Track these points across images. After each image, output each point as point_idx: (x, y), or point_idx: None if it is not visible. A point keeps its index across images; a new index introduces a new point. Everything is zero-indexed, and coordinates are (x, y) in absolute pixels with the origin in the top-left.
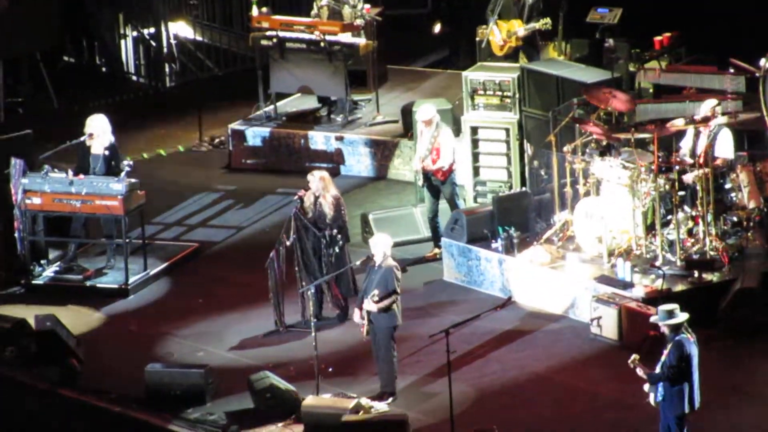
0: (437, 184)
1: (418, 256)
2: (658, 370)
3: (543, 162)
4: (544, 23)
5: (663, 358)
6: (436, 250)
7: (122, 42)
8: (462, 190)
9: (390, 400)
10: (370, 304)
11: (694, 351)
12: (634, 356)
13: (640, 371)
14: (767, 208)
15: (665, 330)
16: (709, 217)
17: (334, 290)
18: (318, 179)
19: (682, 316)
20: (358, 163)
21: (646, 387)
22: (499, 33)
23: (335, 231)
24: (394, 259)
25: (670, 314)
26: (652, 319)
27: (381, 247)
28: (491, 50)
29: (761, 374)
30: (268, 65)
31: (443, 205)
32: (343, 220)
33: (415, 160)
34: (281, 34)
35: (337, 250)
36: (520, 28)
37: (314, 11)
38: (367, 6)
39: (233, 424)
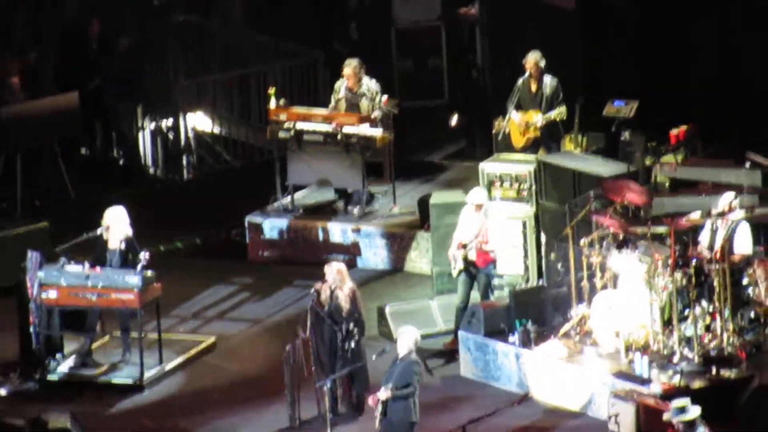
0: (476, 271)
1: (438, 350)
2: None
3: (560, 255)
4: (559, 113)
5: None
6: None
7: (140, 134)
8: (501, 282)
9: None
10: (383, 393)
11: None
12: None
13: None
14: None
15: (680, 427)
16: (727, 313)
17: (347, 388)
18: (335, 271)
19: (695, 411)
20: (375, 255)
21: None
22: (519, 124)
23: (351, 324)
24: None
25: (682, 410)
26: (665, 417)
27: (405, 339)
28: (510, 142)
29: None
30: (286, 157)
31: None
32: (359, 313)
33: (453, 247)
34: (299, 125)
35: (353, 344)
36: (538, 118)
37: (332, 104)
38: (385, 98)
39: None
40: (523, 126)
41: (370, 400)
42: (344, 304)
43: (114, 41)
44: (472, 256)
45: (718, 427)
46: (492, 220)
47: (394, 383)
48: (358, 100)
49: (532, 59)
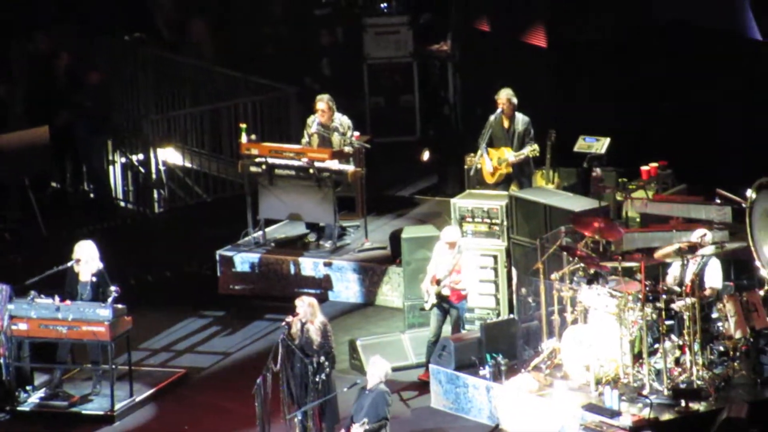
0: (449, 306)
1: (409, 383)
2: None
3: (531, 289)
4: (533, 150)
5: None
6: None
7: (111, 168)
8: (472, 316)
9: None
10: (358, 430)
11: None
12: None
13: None
14: (753, 338)
15: None
16: (696, 347)
17: (317, 421)
18: (306, 305)
19: None
20: (347, 289)
21: None
22: (489, 160)
23: (322, 357)
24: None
25: None
26: None
27: (376, 370)
28: (482, 177)
29: None
30: (257, 191)
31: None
32: (330, 347)
33: (426, 281)
34: (270, 160)
35: (323, 377)
36: (510, 154)
37: (305, 139)
38: (357, 133)
39: None
40: (495, 163)
41: None
42: (315, 337)
43: (84, 75)
44: (446, 292)
45: None
46: (465, 256)
47: (366, 416)
48: (330, 135)
49: (505, 96)
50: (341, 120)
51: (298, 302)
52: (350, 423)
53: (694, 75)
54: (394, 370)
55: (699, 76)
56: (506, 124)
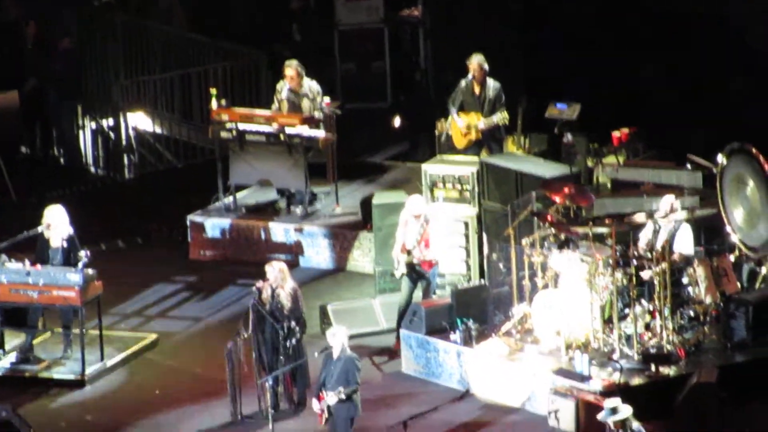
0: (421, 273)
1: (380, 348)
2: None
3: (502, 255)
4: (503, 117)
5: None
6: None
7: (81, 133)
8: (443, 281)
9: None
10: (332, 398)
11: None
12: None
13: None
14: (724, 303)
15: (612, 427)
16: (667, 312)
17: (288, 385)
18: (276, 271)
19: (626, 410)
20: (318, 254)
21: None
22: (461, 124)
23: (293, 322)
24: (352, 350)
25: (614, 411)
26: (599, 416)
27: (340, 338)
28: (452, 144)
29: None
30: (228, 157)
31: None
32: (301, 312)
33: (396, 249)
34: (241, 126)
35: (294, 341)
36: (480, 121)
37: (275, 105)
38: (327, 99)
39: None
40: (465, 128)
41: (314, 403)
42: (286, 302)
43: (53, 42)
44: (416, 261)
45: (657, 424)
46: (432, 225)
47: (338, 383)
48: (299, 101)
49: (476, 62)
50: (310, 86)
51: (268, 268)
52: (320, 390)
53: (666, 39)
54: (365, 335)
55: (671, 40)
56: (477, 89)
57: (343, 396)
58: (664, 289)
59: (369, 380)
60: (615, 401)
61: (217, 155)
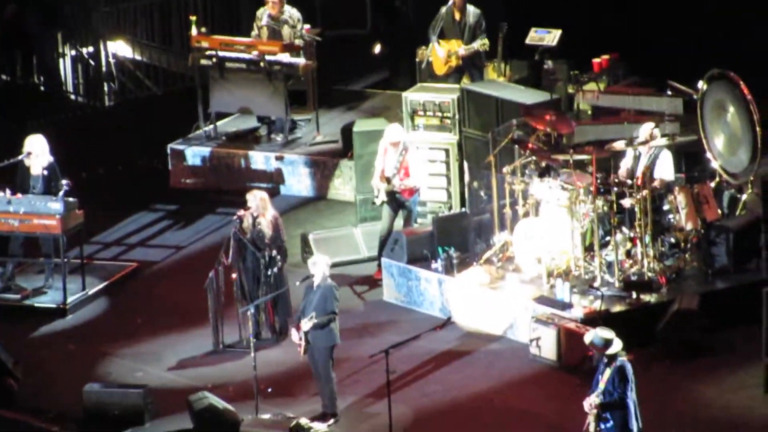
0: (401, 201)
1: (362, 276)
2: (597, 397)
3: (482, 183)
4: (482, 44)
5: (603, 384)
6: None
7: (61, 61)
8: (424, 209)
9: (331, 421)
10: (307, 324)
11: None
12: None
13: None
14: (704, 230)
15: (596, 354)
16: (647, 239)
17: (269, 314)
18: (257, 199)
19: (617, 346)
20: (298, 183)
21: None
22: (441, 52)
23: (274, 251)
24: (333, 278)
25: (607, 343)
26: (586, 337)
27: (320, 267)
28: (432, 70)
29: (698, 394)
30: (208, 85)
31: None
32: (282, 240)
33: (376, 177)
34: (221, 53)
35: (275, 270)
36: (460, 48)
37: (255, 32)
38: (307, 26)
39: None
40: (446, 55)
41: (293, 332)
42: (267, 231)
43: None
44: (396, 189)
45: (638, 351)
46: (412, 153)
47: (314, 310)
48: (280, 28)
49: None
50: (291, 12)
51: (249, 196)
52: (299, 319)
53: None
54: (346, 264)
55: None
56: (457, 16)
57: (315, 321)
58: (644, 216)
59: (350, 309)
60: (609, 335)
61: (197, 83)
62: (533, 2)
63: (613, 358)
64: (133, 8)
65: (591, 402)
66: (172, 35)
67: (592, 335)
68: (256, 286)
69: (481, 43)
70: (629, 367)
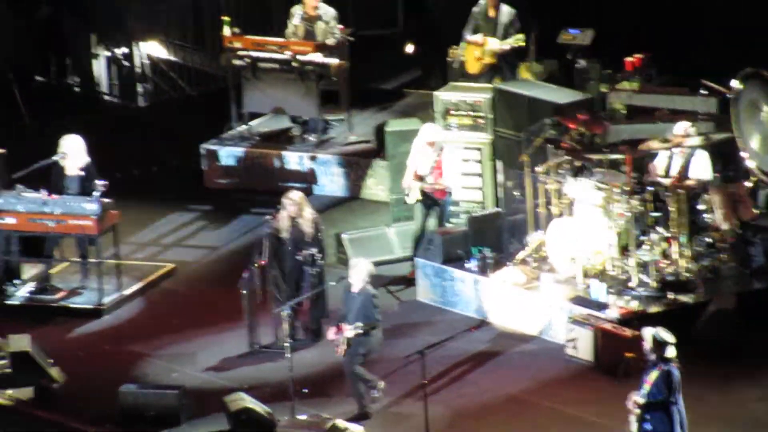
0: (434, 201)
1: (396, 276)
2: (642, 398)
3: (516, 182)
4: (517, 39)
5: (648, 386)
6: None
7: (94, 61)
8: (458, 209)
9: (366, 421)
10: (351, 332)
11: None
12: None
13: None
14: (741, 230)
15: (652, 356)
16: (683, 239)
17: (305, 314)
18: (296, 199)
19: (673, 351)
20: (332, 182)
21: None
22: (474, 50)
23: (314, 250)
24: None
25: (665, 344)
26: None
27: (361, 273)
28: (465, 69)
29: (735, 395)
30: (241, 85)
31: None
32: (322, 239)
33: (408, 176)
34: (253, 53)
35: (316, 269)
36: (494, 41)
37: (290, 29)
38: (340, 26)
39: None
40: (479, 52)
41: (332, 332)
42: (307, 230)
43: None
44: (429, 189)
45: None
46: (446, 153)
47: (356, 319)
48: (314, 25)
49: None
50: (326, 10)
51: (286, 197)
52: (338, 322)
53: None
54: (380, 264)
55: None
56: (491, 13)
57: (360, 331)
58: (680, 215)
59: (386, 309)
60: (671, 337)
61: (230, 83)
62: (565, 1)
63: (664, 361)
64: (167, 9)
65: (635, 400)
66: (204, 35)
67: (654, 330)
68: (293, 286)
69: (516, 38)
70: (677, 375)
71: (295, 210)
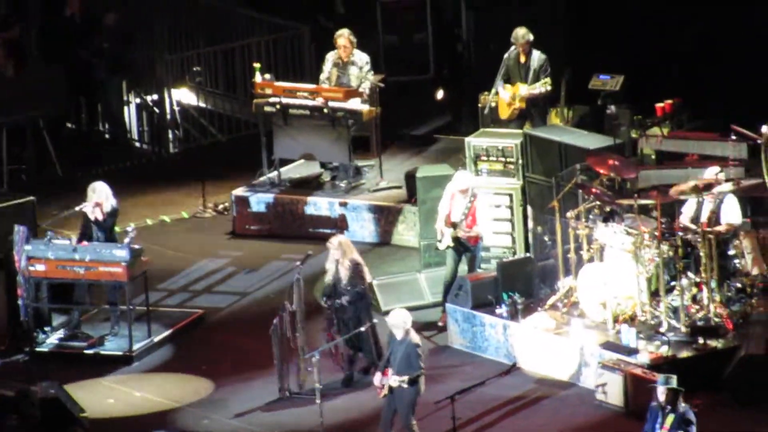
0: (466, 247)
1: (426, 322)
2: None
3: (546, 228)
4: (545, 83)
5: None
6: None
7: (125, 108)
8: (488, 254)
9: None
10: (395, 381)
11: None
12: None
13: None
14: None
15: (662, 398)
16: (713, 284)
17: (337, 356)
18: (336, 244)
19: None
20: (362, 228)
21: None
22: (505, 95)
23: (346, 298)
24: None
25: (668, 379)
26: (662, 384)
27: (399, 322)
28: (497, 115)
29: None
30: (272, 131)
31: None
32: (361, 284)
33: (440, 222)
34: (284, 100)
35: (350, 314)
36: (523, 88)
37: (324, 74)
38: (372, 72)
39: None
40: (510, 98)
41: (377, 376)
42: (343, 276)
43: (99, 16)
44: (462, 236)
45: (705, 396)
46: (478, 199)
47: (399, 369)
48: (347, 71)
49: (521, 34)
50: (360, 56)
51: (327, 243)
52: (384, 366)
53: (709, 10)
54: (411, 309)
55: (714, 10)
56: (522, 59)
57: (405, 384)
58: (710, 261)
59: None
60: (671, 375)
61: (261, 129)
62: (596, 47)
63: (675, 405)
64: (198, 55)
65: None
66: (236, 82)
67: (666, 378)
68: (346, 329)
69: (543, 82)
70: (693, 416)
71: (338, 254)
